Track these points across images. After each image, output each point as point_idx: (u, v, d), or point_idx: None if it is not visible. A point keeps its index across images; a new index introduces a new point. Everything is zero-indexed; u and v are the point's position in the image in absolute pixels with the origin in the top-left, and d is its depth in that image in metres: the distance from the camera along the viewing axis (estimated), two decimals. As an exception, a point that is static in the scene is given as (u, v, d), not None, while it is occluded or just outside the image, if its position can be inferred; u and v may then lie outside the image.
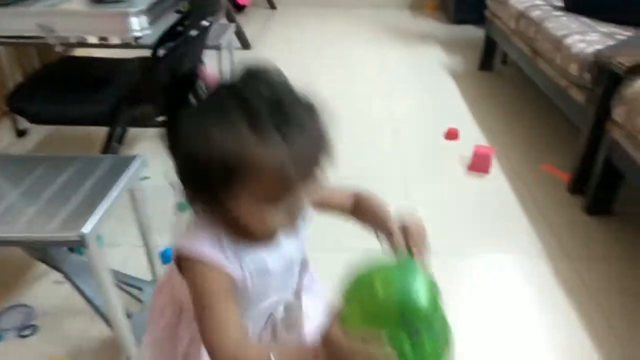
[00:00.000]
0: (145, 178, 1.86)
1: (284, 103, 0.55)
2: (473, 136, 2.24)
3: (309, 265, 0.78)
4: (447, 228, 1.64)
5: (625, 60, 1.50)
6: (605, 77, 1.57)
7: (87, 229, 0.89)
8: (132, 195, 1.14)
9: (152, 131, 2.23)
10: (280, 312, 0.74)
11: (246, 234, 0.61)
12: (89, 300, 1.11)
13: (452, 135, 2.26)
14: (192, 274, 0.62)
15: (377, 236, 0.70)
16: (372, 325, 0.52)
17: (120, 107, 1.35)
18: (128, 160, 1.09)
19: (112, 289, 1.02)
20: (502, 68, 3.04)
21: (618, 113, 1.50)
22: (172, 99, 0.58)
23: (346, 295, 0.56)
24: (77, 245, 0.90)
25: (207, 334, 0.59)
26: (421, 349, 0.52)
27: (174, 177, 0.60)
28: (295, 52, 3.27)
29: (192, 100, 0.58)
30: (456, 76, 2.96)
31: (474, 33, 3.44)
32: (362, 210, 0.73)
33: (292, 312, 0.75)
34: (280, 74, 0.59)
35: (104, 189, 1.00)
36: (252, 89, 0.55)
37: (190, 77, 0.60)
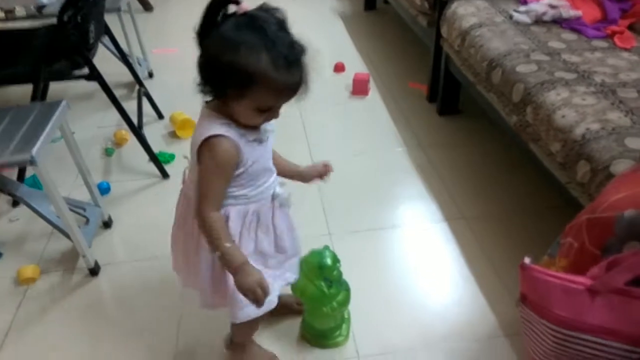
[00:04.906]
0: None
1: (295, 46, 0.81)
2: (356, 67, 2.65)
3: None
4: (337, 139, 2.08)
5: (446, -12, 1.94)
6: (437, 3, 2.00)
7: (34, 151, 1.19)
8: (65, 133, 1.42)
9: (72, 92, 2.45)
10: (278, 191, 0.99)
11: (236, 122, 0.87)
12: (44, 217, 1.40)
13: (339, 68, 2.66)
14: (211, 147, 0.84)
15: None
16: (309, 277, 1.14)
17: (39, 65, 1.59)
18: (55, 104, 1.38)
19: (64, 204, 1.33)
20: (384, 7, 3.45)
21: (444, 30, 1.95)
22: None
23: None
24: (29, 164, 1.19)
25: (200, 195, 0.88)
26: (331, 289, 1.14)
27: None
28: (196, 13, 3.47)
29: None
30: (345, 17, 3.34)
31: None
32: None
33: (284, 195, 1.00)
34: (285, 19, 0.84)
35: (41, 124, 1.29)
36: (268, 22, 0.79)
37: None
